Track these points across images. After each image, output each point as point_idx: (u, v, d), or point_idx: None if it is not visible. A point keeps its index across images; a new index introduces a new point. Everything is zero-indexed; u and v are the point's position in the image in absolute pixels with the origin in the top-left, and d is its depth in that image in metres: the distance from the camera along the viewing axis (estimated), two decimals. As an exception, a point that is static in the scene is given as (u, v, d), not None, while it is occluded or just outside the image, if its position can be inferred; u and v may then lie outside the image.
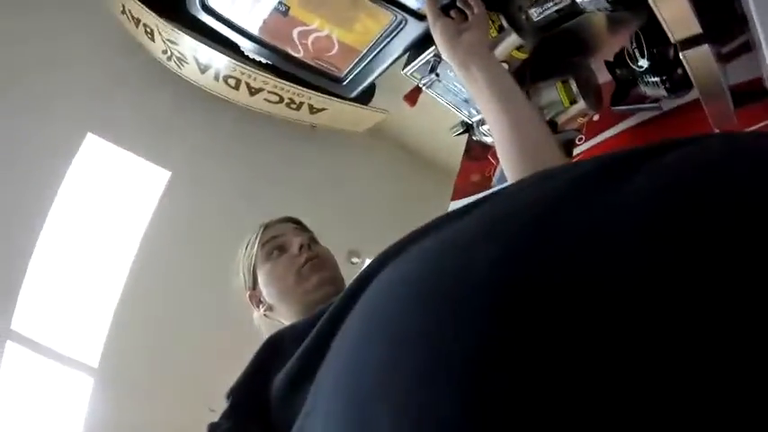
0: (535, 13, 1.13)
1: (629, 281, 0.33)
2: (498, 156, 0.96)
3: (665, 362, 0.30)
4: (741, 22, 1.01)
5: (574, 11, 1.13)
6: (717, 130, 1.11)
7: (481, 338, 0.35)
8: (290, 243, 1.05)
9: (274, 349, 0.76)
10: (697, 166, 0.39)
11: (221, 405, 0.78)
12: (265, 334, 1.06)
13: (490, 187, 1.70)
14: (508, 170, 0.93)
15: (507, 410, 0.31)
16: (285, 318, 1.03)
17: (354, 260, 3.94)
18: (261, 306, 1.07)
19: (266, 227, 1.10)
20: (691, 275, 0.32)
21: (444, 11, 1.02)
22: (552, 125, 1.25)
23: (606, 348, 0.31)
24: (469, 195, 1.80)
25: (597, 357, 0.31)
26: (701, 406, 0.28)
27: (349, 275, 0.94)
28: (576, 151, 1.48)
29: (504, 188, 0.56)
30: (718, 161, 0.39)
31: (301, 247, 1.03)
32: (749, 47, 1.11)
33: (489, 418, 0.32)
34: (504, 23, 1.11)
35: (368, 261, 0.55)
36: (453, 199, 1.93)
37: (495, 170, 1.71)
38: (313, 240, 1.09)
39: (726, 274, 0.31)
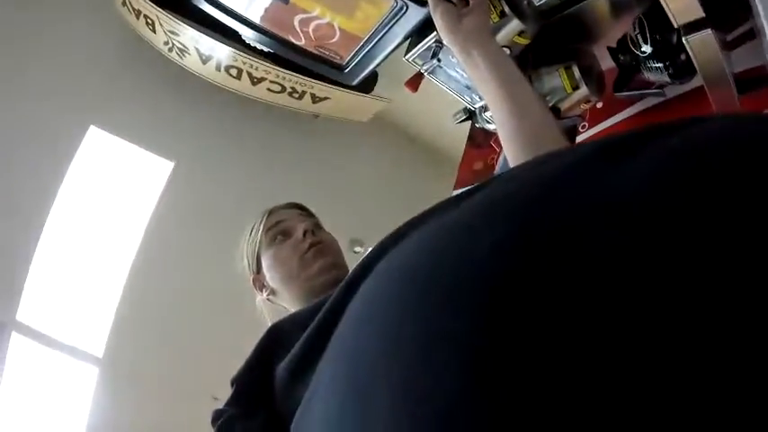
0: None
1: (622, 264, 0.33)
2: (501, 142, 0.95)
3: (658, 345, 0.30)
4: (745, 10, 1.00)
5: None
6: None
7: (482, 320, 0.35)
8: (294, 228, 1.05)
9: (277, 338, 0.76)
10: (697, 150, 0.39)
11: (225, 393, 0.79)
12: (268, 318, 1.07)
13: (492, 175, 1.69)
14: (510, 156, 0.93)
15: (508, 394, 0.31)
16: (288, 302, 1.04)
17: (357, 249, 3.94)
18: (264, 290, 1.08)
19: (271, 212, 1.10)
20: (679, 259, 0.32)
21: None
22: (555, 111, 1.24)
23: (601, 326, 0.31)
24: (472, 184, 1.79)
25: (594, 335, 0.31)
26: (700, 398, 0.28)
27: (352, 264, 0.95)
28: (579, 138, 1.48)
29: (503, 173, 0.56)
30: (719, 145, 0.39)
31: (305, 232, 1.03)
32: (753, 34, 1.10)
33: (488, 402, 0.32)
34: (506, 9, 1.10)
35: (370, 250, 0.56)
36: (456, 188, 1.93)
37: (497, 158, 1.71)
38: (317, 226, 1.09)
39: (721, 261, 0.31)
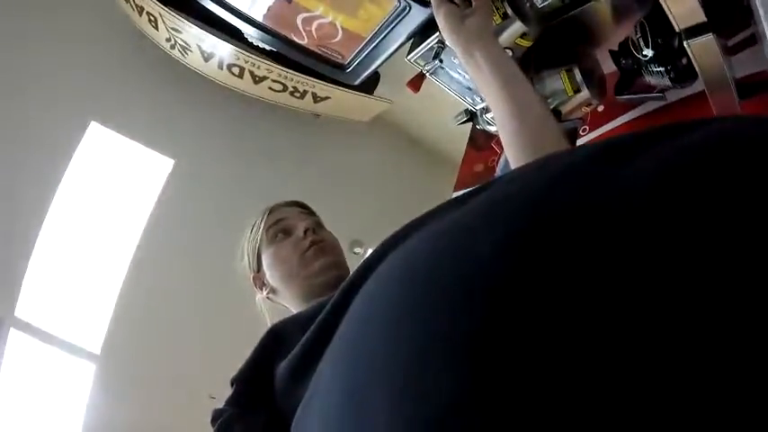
0: (539, 1, 1.13)
1: (622, 264, 0.33)
2: (502, 143, 0.95)
3: (659, 346, 0.30)
4: (746, 15, 1.01)
5: (578, -1, 1.12)
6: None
7: (480, 321, 0.35)
8: (295, 227, 1.05)
9: (278, 338, 0.76)
10: (699, 151, 0.39)
11: (222, 392, 0.79)
12: (267, 317, 1.07)
13: (493, 177, 1.70)
14: (511, 158, 0.93)
15: (505, 395, 0.31)
16: (287, 301, 1.03)
17: (357, 250, 3.94)
18: (264, 289, 1.07)
19: (271, 210, 1.09)
20: (680, 259, 0.32)
21: None
22: (556, 114, 1.24)
23: (601, 327, 0.31)
24: (472, 186, 1.79)
25: (593, 336, 0.31)
26: (701, 399, 0.28)
27: (352, 266, 0.95)
28: (579, 141, 1.48)
29: (504, 174, 0.56)
30: (720, 147, 0.39)
31: (306, 230, 1.03)
32: (754, 40, 1.10)
33: (486, 402, 0.32)
34: (509, 11, 1.10)
35: (370, 251, 0.56)
36: (456, 189, 1.93)
37: (498, 159, 1.71)
38: (318, 225, 1.08)
39: (722, 260, 0.31)
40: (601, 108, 1.45)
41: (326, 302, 0.58)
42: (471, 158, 1.94)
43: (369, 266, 0.51)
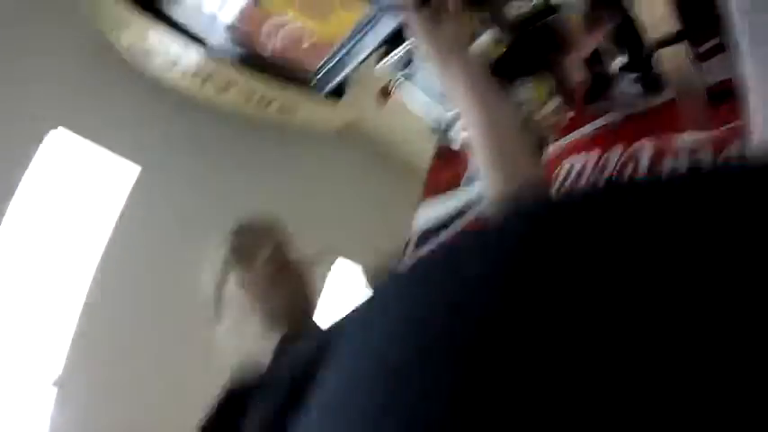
0: (512, 9, 1.13)
1: (616, 265, 0.32)
2: (475, 157, 0.95)
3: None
4: (717, 23, 1.01)
5: (549, 8, 1.12)
6: (689, 129, 1.12)
7: (477, 320, 0.33)
8: (256, 253, 1.03)
9: (237, 401, 0.73)
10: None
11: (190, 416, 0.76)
12: (230, 347, 1.04)
13: (459, 186, 1.71)
14: (483, 170, 0.92)
15: (502, 399, 0.30)
16: (249, 330, 1.01)
17: (326, 261, 3.93)
18: (226, 318, 1.04)
19: (235, 233, 1.07)
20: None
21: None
22: (527, 122, 1.25)
23: (598, 325, 0.30)
24: (439, 194, 1.80)
25: (592, 334, 0.30)
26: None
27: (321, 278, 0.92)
28: (549, 149, 1.49)
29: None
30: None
31: (271, 255, 1.01)
32: (723, 48, 1.11)
33: (481, 410, 0.30)
34: (482, 19, 1.10)
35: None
36: (424, 197, 1.93)
37: (465, 170, 1.72)
38: (281, 250, 1.07)
39: (719, 265, 0.30)
40: (571, 116, 1.46)
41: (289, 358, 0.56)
42: (438, 168, 1.95)
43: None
